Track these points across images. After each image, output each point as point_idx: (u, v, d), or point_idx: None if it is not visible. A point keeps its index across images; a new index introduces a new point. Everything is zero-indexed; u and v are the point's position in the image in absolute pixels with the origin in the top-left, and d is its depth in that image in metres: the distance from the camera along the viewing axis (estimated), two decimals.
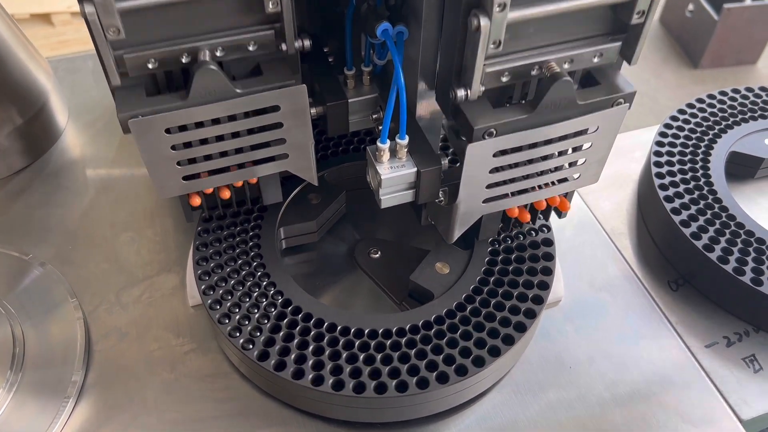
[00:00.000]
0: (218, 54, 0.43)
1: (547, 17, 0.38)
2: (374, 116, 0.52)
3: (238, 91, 0.43)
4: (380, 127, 0.51)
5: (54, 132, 0.70)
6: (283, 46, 0.44)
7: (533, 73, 0.41)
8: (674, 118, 0.68)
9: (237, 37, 0.42)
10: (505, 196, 0.47)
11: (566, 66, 0.41)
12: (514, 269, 0.53)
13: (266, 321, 0.49)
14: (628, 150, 0.72)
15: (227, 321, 0.49)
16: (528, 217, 0.52)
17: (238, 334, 0.48)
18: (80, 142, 0.71)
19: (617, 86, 0.43)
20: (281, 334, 0.48)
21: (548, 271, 0.53)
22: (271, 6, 0.41)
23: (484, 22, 0.36)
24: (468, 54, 0.39)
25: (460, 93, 0.40)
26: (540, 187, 0.48)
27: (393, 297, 0.55)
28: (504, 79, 0.41)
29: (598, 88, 0.43)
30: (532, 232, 0.55)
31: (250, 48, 0.43)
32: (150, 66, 0.42)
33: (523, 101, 0.44)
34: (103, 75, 0.79)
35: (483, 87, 0.40)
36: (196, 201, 0.51)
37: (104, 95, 0.75)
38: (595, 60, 0.42)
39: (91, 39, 0.39)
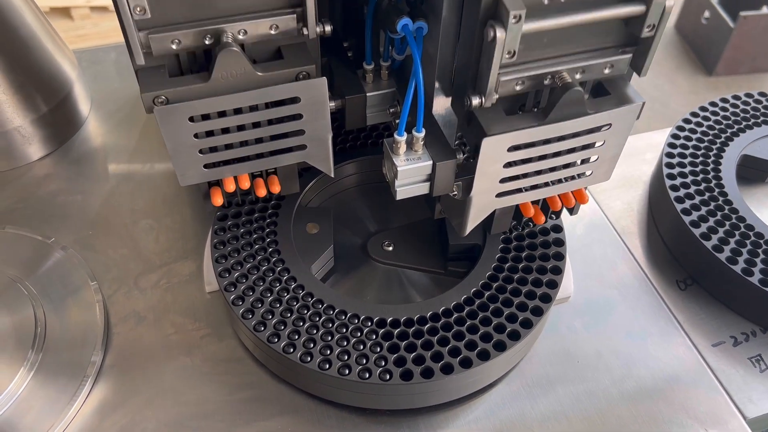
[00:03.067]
0: (240, 36, 0.44)
1: (561, 29, 0.40)
2: (391, 110, 0.53)
3: (258, 73, 0.44)
4: (397, 121, 0.52)
5: (77, 121, 0.72)
6: (305, 31, 0.44)
7: (546, 82, 0.43)
8: (687, 121, 0.68)
9: (260, 20, 0.43)
10: (519, 191, 0.48)
11: (578, 76, 0.43)
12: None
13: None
14: (639, 151, 0.72)
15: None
16: (543, 219, 0.53)
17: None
18: (102, 131, 0.73)
19: (627, 97, 0.44)
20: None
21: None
22: None
23: (499, 33, 0.38)
24: (483, 63, 0.40)
25: (475, 100, 0.42)
26: (552, 183, 0.49)
27: (435, 270, 0.58)
28: (517, 88, 0.42)
29: (608, 99, 0.44)
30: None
31: (272, 31, 0.44)
32: (174, 47, 0.43)
33: (536, 109, 0.46)
34: (125, 67, 0.81)
35: (497, 95, 0.42)
36: (218, 201, 0.52)
37: (126, 86, 0.77)
38: (606, 71, 0.43)
39: (117, 19, 0.41)
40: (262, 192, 0.52)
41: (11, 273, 0.58)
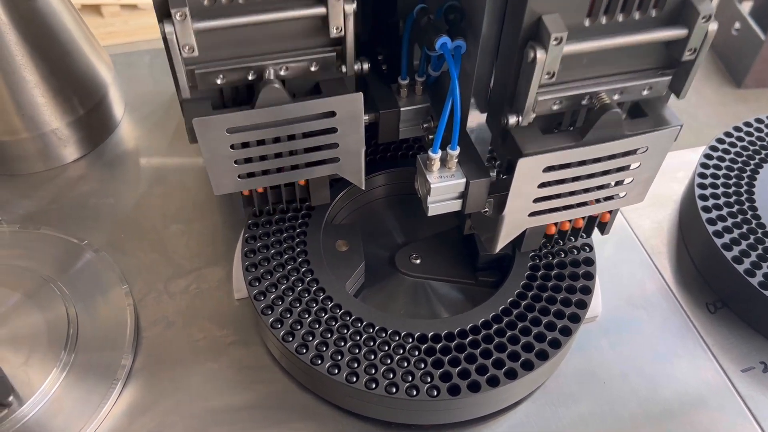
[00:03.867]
0: (282, 73, 0.46)
1: (601, 51, 0.40)
2: (425, 125, 0.53)
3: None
4: (430, 136, 0.52)
5: (111, 123, 0.73)
6: (343, 68, 0.46)
7: (583, 102, 0.43)
8: (720, 141, 0.68)
9: (301, 58, 0.45)
10: (551, 210, 0.48)
11: (616, 97, 0.43)
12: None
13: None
14: (670, 170, 0.72)
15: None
16: (581, 222, 0.52)
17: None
18: (135, 134, 0.74)
19: (664, 119, 0.44)
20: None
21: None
22: (335, 31, 0.44)
23: (540, 54, 0.38)
24: (522, 83, 0.40)
25: (512, 119, 0.42)
26: (586, 203, 0.49)
27: (465, 281, 0.58)
28: (555, 108, 0.42)
29: (645, 120, 0.44)
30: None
31: (312, 68, 0.46)
32: (218, 81, 0.45)
33: (571, 128, 0.46)
34: (158, 70, 0.82)
35: (534, 114, 0.42)
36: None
37: (160, 90, 0.78)
38: (645, 93, 0.43)
39: (166, 54, 0.42)
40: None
41: (45, 273, 0.59)
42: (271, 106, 0.44)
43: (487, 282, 0.57)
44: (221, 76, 0.44)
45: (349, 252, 0.57)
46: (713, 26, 0.40)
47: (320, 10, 0.43)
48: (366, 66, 0.47)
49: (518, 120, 0.42)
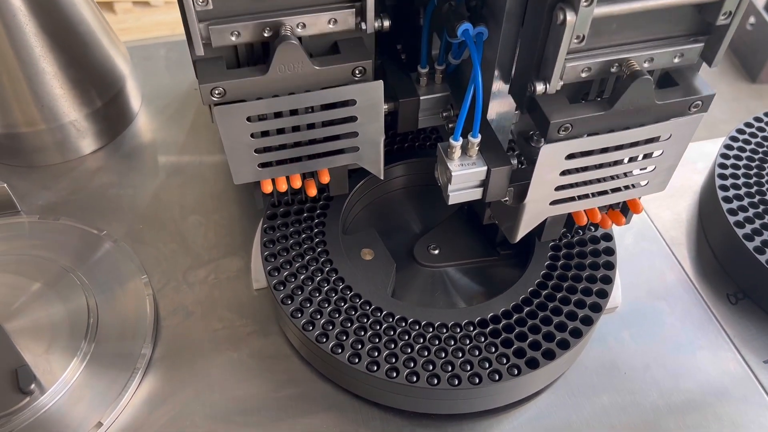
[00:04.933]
0: (299, 30, 0.43)
1: (632, 14, 0.39)
2: (444, 114, 0.53)
3: (316, 67, 0.44)
4: (450, 125, 0.52)
5: (128, 116, 0.73)
6: (363, 25, 0.44)
7: (612, 70, 0.41)
8: (741, 131, 0.67)
9: (319, 14, 0.43)
10: (573, 199, 0.48)
11: (646, 65, 0.41)
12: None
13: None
14: (690, 161, 0.71)
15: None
16: (598, 216, 0.51)
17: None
18: (152, 126, 0.74)
19: (696, 88, 0.43)
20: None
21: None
22: None
23: (570, 16, 0.37)
24: (550, 48, 0.39)
25: (540, 87, 0.41)
26: (607, 192, 0.48)
27: (488, 259, 0.58)
28: (583, 75, 0.41)
29: (676, 89, 0.43)
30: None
31: (330, 26, 0.44)
32: (233, 38, 0.43)
33: (599, 98, 0.45)
34: (174, 63, 0.83)
35: (562, 81, 0.41)
36: (268, 188, 0.53)
37: (176, 83, 0.78)
38: (676, 60, 0.42)
39: (179, 8, 0.41)
40: (312, 192, 0.53)
41: (64, 263, 0.59)
42: (287, 67, 0.43)
43: (510, 255, 0.57)
44: (236, 32, 0.42)
45: (376, 260, 0.56)
46: None
47: None
48: (387, 23, 0.45)
49: (546, 87, 0.41)
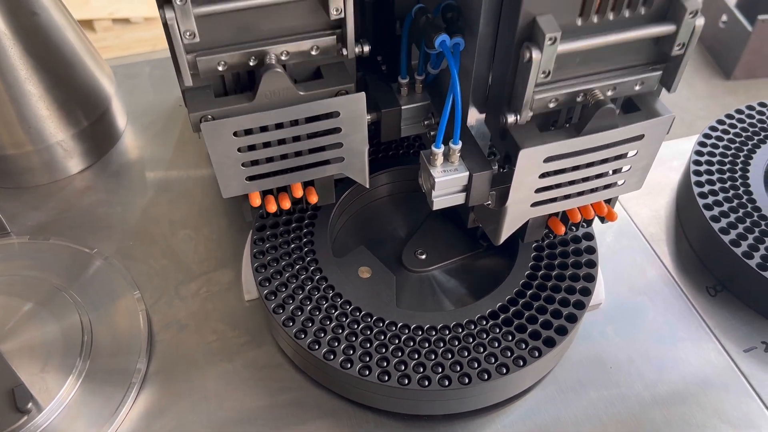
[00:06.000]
0: (283, 58, 0.45)
1: (593, 49, 0.41)
2: (426, 122, 0.54)
3: (300, 93, 0.46)
4: (432, 133, 0.53)
5: (115, 134, 0.74)
6: (344, 51, 0.46)
7: (578, 99, 0.44)
8: (713, 128, 0.69)
9: (302, 42, 0.45)
10: (553, 200, 0.49)
11: (609, 93, 0.44)
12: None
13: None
14: (666, 159, 0.73)
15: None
16: (562, 229, 0.54)
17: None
18: (138, 144, 0.75)
19: (657, 112, 0.45)
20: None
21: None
22: (334, 12, 0.44)
23: (535, 54, 0.39)
24: (519, 82, 0.42)
25: (511, 118, 0.43)
26: (586, 192, 0.50)
27: (473, 252, 0.61)
28: (551, 105, 0.44)
29: (638, 114, 0.46)
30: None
31: (313, 52, 0.46)
32: (220, 68, 0.45)
33: (567, 125, 0.47)
34: (159, 81, 0.83)
35: (531, 112, 0.43)
36: (257, 201, 0.54)
37: (161, 100, 0.79)
38: (637, 88, 0.45)
39: (167, 41, 0.43)
40: (298, 194, 0.54)
41: (56, 282, 0.60)
42: (272, 94, 0.45)
43: (493, 245, 0.58)
44: (222, 62, 0.44)
45: (374, 276, 0.58)
46: (700, 21, 0.41)
47: None
48: (366, 48, 0.47)
49: (516, 118, 0.43)
